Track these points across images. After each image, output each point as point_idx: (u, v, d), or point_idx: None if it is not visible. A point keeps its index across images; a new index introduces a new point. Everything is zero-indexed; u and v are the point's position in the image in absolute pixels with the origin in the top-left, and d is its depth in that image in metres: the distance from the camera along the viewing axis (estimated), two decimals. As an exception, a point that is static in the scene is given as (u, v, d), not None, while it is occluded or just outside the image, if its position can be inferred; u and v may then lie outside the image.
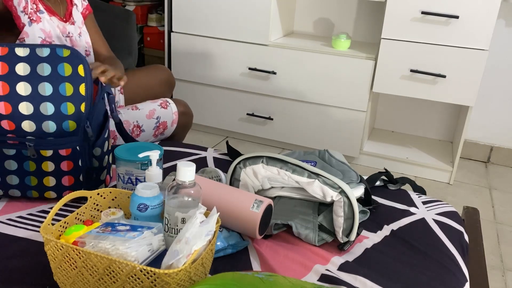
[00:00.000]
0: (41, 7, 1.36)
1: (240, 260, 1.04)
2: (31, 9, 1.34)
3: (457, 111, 2.63)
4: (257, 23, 2.38)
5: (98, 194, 1.04)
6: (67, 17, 1.44)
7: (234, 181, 1.18)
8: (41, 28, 1.35)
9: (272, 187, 1.23)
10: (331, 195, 1.08)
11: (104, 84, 1.20)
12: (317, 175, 1.11)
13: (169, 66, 2.71)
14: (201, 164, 1.45)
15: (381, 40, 2.24)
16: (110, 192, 1.06)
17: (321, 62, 2.35)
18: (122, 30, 2.64)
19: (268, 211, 1.07)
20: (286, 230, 1.13)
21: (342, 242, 1.09)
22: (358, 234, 1.10)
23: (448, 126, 2.69)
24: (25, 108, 1.10)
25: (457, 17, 2.08)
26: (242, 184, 1.18)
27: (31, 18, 1.34)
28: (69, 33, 1.43)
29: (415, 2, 2.13)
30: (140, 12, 3.19)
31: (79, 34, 1.49)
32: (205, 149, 1.58)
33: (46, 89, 1.10)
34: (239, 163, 1.17)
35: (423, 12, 2.12)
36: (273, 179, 1.18)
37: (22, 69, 1.10)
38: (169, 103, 1.68)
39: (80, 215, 1.01)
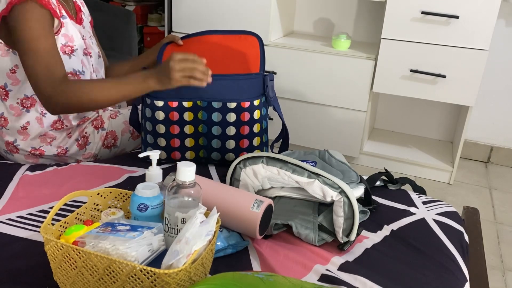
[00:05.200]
0: (63, 12, 1.37)
1: (240, 260, 1.04)
2: (59, 15, 1.35)
3: (457, 111, 2.63)
4: (257, 23, 2.38)
5: (98, 194, 1.04)
6: (78, 21, 1.45)
7: (234, 181, 1.18)
8: (64, 34, 1.36)
9: (272, 187, 1.23)
10: (331, 195, 1.08)
11: None
12: (317, 175, 1.10)
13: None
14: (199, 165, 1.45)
15: (381, 40, 2.24)
16: (110, 192, 1.06)
17: (321, 62, 2.35)
18: (122, 30, 2.64)
19: (268, 211, 1.07)
20: (286, 230, 1.13)
21: (342, 242, 1.09)
22: (358, 234, 1.10)
23: (448, 126, 2.69)
24: None
25: (457, 17, 2.08)
26: (242, 184, 1.18)
27: (60, 26, 1.35)
28: (83, 36, 1.44)
29: (415, 2, 2.13)
30: (140, 12, 3.19)
31: (90, 37, 1.50)
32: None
33: None
34: (239, 163, 1.17)
35: (423, 12, 2.12)
36: (273, 179, 1.18)
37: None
38: None
39: (80, 215, 1.01)
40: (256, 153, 1.17)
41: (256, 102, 1.38)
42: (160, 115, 1.36)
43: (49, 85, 1.24)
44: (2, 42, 1.31)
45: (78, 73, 1.39)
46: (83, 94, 1.25)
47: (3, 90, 1.36)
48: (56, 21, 1.32)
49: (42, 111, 1.39)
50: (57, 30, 1.33)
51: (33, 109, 1.38)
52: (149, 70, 1.30)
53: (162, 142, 1.40)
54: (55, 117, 1.41)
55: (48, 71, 1.24)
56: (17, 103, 1.37)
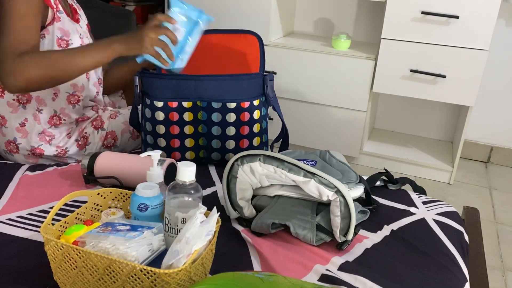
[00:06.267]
0: (60, 7, 1.37)
1: (240, 260, 1.04)
2: (55, 8, 1.35)
3: (457, 111, 2.63)
4: (257, 23, 2.38)
5: (98, 194, 1.04)
6: (75, 20, 1.45)
7: (231, 178, 1.18)
8: (60, 27, 1.36)
9: (272, 185, 1.22)
10: (327, 194, 1.08)
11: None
12: (313, 174, 1.10)
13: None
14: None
15: (381, 40, 2.24)
16: (110, 192, 1.06)
17: (321, 62, 2.35)
18: (122, 30, 2.64)
19: (171, 167, 1.24)
20: (287, 230, 1.13)
21: (340, 241, 1.09)
22: (355, 233, 1.10)
23: (448, 126, 2.69)
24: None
25: (457, 17, 2.08)
26: (239, 181, 1.17)
27: (54, 17, 1.35)
28: (80, 34, 1.44)
29: (415, 2, 2.13)
30: (140, 12, 3.19)
31: (87, 37, 1.50)
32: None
33: None
34: (236, 160, 1.17)
35: (423, 12, 2.12)
36: (271, 176, 1.18)
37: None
38: None
39: (80, 215, 1.01)
40: (254, 150, 1.17)
41: (256, 102, 1.38)
42: (160, 115, 1.36)
43: (10, 59, 1.20)
44: None
45: None
46: (45, 66, 1.21)
47: None
48: (50, 11, 1.33)
49: (38, 107, 1.39)
50: (50, 21, 1.34)
51: (29, 105, 1.38)
52: (117, 35, 1.28)
53: (162, 142, 1.40)
54: (51, 113, 1.41)
55: (14, 47, 1.21)
56: (14, 99, 1.38)
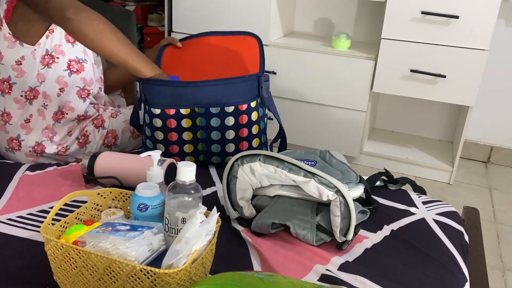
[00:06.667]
0: None
1: (240, 260, 1.04)
2: None
3: (457, 111, 2.63)
4: (257, 23, 2.38)
5: (98, 194, 1.04)
6: None
7: (231, 178, 1.18)
8: None
9: (272, 185, 1.22)
10: (327, 194, 1.08)
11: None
12: (313, 174, 1.10)
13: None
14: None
15: (381, 40, 2.24)
16: (110, 192, 1.06)
17: (321, 62, 2.35)
18: (122, 30, 2.63)
19: (171, 167, 1.24)
20: (287, 230, 1.13)
21: (340, 241, 1.09)
22: (355, 233, 1.10)
23: (448, 126, 2.69)
24: None
25: (457, 17, 2.08)
26: (239, 181, 1.17)
27: None
28: None
29: (415, 2, 2.13)
30: (140, 12, 3.19)
31: None
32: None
33: None
34: (236, 160, 1.17)
35: (423, 12, 2.12)
36: (271, 176, 1.18)
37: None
38: None
39: (80, 215, 1.01)
40: (254, 150, 1.16)
41: (252, 104, 1.37)
42: (158, 122, 1.35)
43: (74, 8, 1.24)
44: (11, 33, 1.31)
45: (81, 61, 1.42)
46: (99, 36, 1.27)
47: (7, 84, 1.37)
48: None
49: (44, 103, 1.39)
50: None
51: (36, 101, 1.39)
52: (156, 67, 1.37)
53: (161, 148, 1.39)
54: (55, 108, 1.41)
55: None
56: (21, 95, 1.38)
